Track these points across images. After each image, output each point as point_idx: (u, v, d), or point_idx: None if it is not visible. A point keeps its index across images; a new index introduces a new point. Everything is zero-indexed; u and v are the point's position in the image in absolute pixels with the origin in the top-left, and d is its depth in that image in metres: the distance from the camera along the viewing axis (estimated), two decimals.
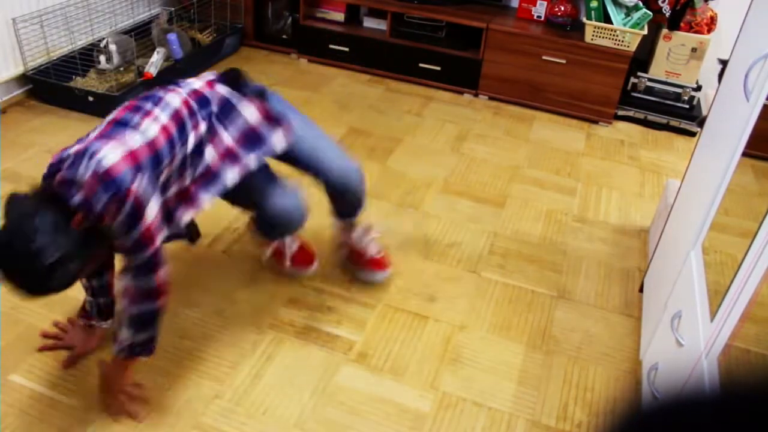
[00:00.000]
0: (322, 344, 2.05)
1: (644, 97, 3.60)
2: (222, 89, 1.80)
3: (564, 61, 3.51)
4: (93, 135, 1.56)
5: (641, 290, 2.38)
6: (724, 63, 1.93)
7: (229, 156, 1.77)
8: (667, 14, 3.37)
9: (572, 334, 2.18)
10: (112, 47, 3.29)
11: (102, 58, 3.30)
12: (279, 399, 1.86)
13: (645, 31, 3.35)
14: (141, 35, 3.53)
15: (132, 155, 1.50)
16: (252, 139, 1.81)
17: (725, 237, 1.65)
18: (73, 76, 3.27)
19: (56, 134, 3.02)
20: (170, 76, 3.44)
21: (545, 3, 3.65)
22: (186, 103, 1.68)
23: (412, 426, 1.81)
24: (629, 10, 3.39)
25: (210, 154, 1.73)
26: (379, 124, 3.38)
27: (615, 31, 3.38)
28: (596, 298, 2.34)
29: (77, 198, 1.46)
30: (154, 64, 3.32)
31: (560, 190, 2.96)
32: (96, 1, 3.49)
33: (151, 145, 1.56)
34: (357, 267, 2.31)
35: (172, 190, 1.68)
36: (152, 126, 1.58)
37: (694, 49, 3.41)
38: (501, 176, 3.03)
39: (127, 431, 1.73)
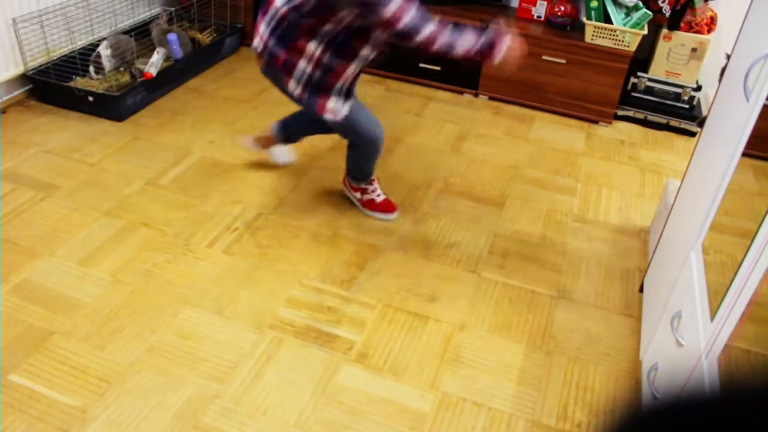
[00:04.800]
0: (322, 344, 2.05)
1: (644, 97, 3.60)
2: None
3: (564, 61, 3.51)
4: None
5: (641, 290, 2.38)
6: (730, 57, 1.93)
7: None
8: (667, 14, 3.37)
9: (572, 334, 2.18)
10: (107, 51, 3.29)
11: (92, 68, 3.29)
12: (279, 399, 1.86)
13: (645, 31, 3.35)
14: (141, 35, 3.53)
15: None
16: None
17: (725, 237, 1.65)
18: (73, 76, 3.28)
19: (56, 134, 3.02)
20: (170, 76, 3.45)
21: (545, 3, 3.65)
22: None
23: (412, 426, 1.81)
24: (629, 10, 3.39)
25: None
26: None
27: (615, 31, 3.38)
28: (596, 298, 2.34)
29: None
30: (154, 64, 3.32)
31: (560, 190, 2.97)
32: (96, 1, 3.48)
33: None
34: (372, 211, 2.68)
35: None
36: None
37: (694, 49, 3.41)
38: (501, 176, 3.03)
39: (128, 428, 1.74)
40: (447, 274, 2.39)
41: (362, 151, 2.51)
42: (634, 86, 3.60)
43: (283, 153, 2.90)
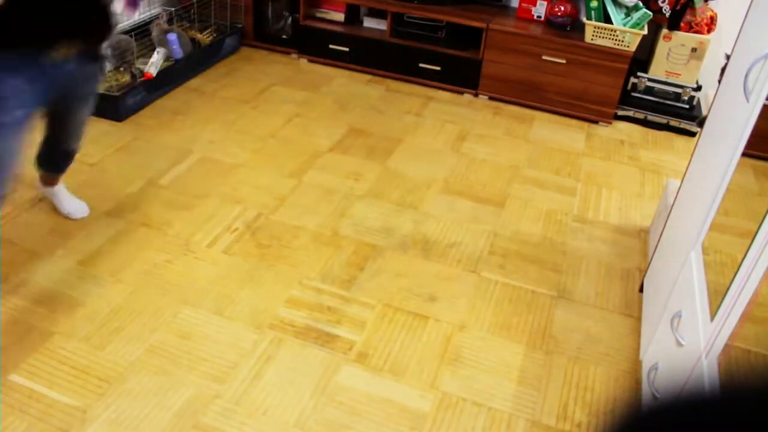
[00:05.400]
0: (322, 344, 2.05)
1: (644, 97, 3.60)
2: None
3: (564, 61, 3.51)
4: None
5: (641, 290, 2.38)
6: (729, 57, 1.93)
7: None
8: (667, 14, 3.37)
9: (572, 334, 2.18)
10: (107, 51, 3.29)
11: None
12: (279, 399, 1.86)
13: (645, 31, 3.35)
14: (141, 35, 3.53)
15: None
16: None
17: (725, 237, 1.65)
18: None
19: None
20: (170, 76, 3.44)
21: (545, 3, 3.65)
22: None
23: (412, 426, 1.81)
24: (629, 10, 3.39)
25: None
26: (379, 124, 3.38)
27: (615, 31, 3.38)
28: (596, 298, 2.34)
29: None
30: (154, 64, 3.32)
31: (560, 190, 2.97)
32: None
33: None
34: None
35: None
36: None
37: (694, 49, 3.41)
38: (501, 176, 3.03)
39: (128, 427, 1.74)
40: (447, 274, 2.39)
41: None
42: (634, 86, 3.60)
43: (69, 202, 2.49)
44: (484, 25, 3.58)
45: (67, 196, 2.49)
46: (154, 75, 3.29)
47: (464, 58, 3.71)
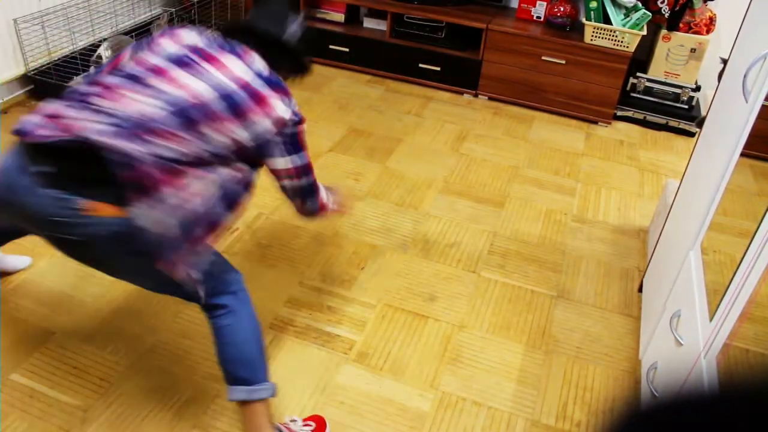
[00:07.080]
0: (322, 344, 2.05)
1: (643, 98, 3.61)
2: None
3: (563, 62, 3.52)
4: None
5: (640, 290, 2.38)
6: (725, 62, 1.94)
7: None
8: (666, 15, 3.37)
9: (572, 333, 2.18)
10: (107, 52, 3.29)
11: (92, 69, 3.30)
12: (279, 398, 1.86)
13: (644, 32, 3.36)
14: (142, 36, 3.53)
15: None
16: None
17: (724, 237, 1.65)
18: (75, 77, 3.28)
19: None
20: None
21: (545, 3, 3.66)
22: None
23: (412, 426, 1.82)
24: (628, 11, 3.39)
25: None
26: (379, 124, 3.39)
27: (614, 32, 3.38)
28: (595, 298, 2.35)
29: None
30: None
31: (559, 190, 2.97)
32: (97, 2, 3.49)
33: None
34: None
35: None
36: None
37: (693, 50, 3.41)
38: (501, 176, 3.03)
39: (128, 427, 1.74)
40: (447, 274, 2.39)
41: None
42: (634, 87, 3.60)
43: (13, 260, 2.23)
44: (483, 26, 3.59)
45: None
46: None
47: (464, 58, 3.71)
